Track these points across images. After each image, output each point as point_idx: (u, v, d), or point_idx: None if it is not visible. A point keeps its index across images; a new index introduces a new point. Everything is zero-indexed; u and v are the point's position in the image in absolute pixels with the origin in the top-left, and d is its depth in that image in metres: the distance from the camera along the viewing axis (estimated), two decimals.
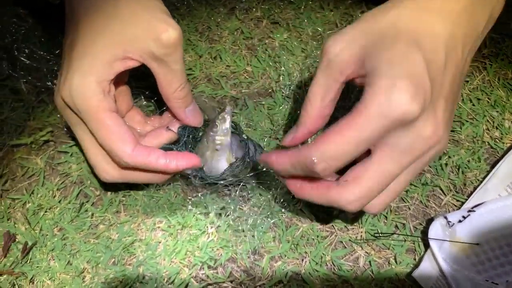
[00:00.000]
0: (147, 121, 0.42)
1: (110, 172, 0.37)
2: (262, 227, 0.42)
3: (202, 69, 0.52)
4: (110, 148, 0.35)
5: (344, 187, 0.32)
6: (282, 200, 0.43)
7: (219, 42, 0.54)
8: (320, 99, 0.34)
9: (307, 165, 0.30)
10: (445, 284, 0.38)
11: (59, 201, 0.44)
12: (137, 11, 0.34)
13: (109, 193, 0.44)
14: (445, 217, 0.40)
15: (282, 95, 0.49)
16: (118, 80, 0.37)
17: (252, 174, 0.41)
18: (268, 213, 0.43)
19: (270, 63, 0.52)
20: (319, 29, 0.55)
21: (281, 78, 0.51)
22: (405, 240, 0.41)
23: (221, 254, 0.41)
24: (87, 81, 0.34)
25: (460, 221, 0.40)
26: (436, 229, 0.39)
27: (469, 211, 0.40)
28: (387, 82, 0.28)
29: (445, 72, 0.31)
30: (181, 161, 0.36)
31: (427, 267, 0.39)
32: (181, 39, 0.35)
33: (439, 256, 0.38)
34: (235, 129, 0.42)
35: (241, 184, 0.43)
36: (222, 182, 0.40)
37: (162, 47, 0.34)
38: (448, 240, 0.39)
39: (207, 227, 0.42)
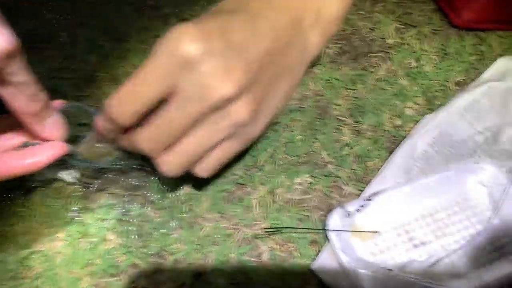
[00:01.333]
0: None
1: None
2: (165, 229, 0.42)
3: (107, 70, 0.51)
4: None
5: (140, 129, 0.31)
6: (187, 200, 0.43)
7: (126, 41, 0.53)
8: None
9: (106, 112, 0.30)
10: (344, 274, 0.39)
11: None
12: None
13: (3, 203, 0.42)
14: (344, 208, 0.41)
15: None
16: None
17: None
18: (172, 215, 0.42)
19: None
20: None
21: None
22: (308, 233, 0.42)
23: (122, 260, 0.40)
24: None
25: (358, 210, 0.41)
26: (334, 220, 0.40)
27: (367, 199, 0.41)
28: (173, 28, 0.28)
29: (255, 40, 0.30)
30: (41, 156, 0.33)
31: (326, 258, 0.39)
32: (17, 49, 0.28)
33: (338, 247, 0.39)
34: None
35: (145, 187, 0.43)
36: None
37: None
38: (346, 230, 0.40)
39: (108, 233, 0.41)
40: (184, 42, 0.27)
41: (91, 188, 0.42)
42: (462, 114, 0.44)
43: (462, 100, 0.44)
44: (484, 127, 0.44)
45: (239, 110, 0.30)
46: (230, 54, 0.29)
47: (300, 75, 0.34)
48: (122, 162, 0.39)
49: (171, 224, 0.42)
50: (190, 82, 0.28)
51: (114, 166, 0.39)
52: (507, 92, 0.44)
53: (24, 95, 0.31)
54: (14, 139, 0.35)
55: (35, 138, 0.35)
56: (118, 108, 0.30)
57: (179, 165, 0.32)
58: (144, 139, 0.31)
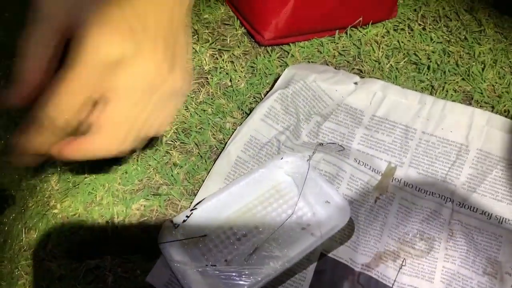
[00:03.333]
0: None
1: None
2: (10, 279, 0.44)
3: None
4: None
5: (94, 135, 0.32)
6: (30, 248, 0.46)
7: None
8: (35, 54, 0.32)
9: (40, 120, 0.30)
10: (177, 281, 0.44)
11: None
12: None
13: None
14: (171, 221, 0.46)
15: None
16: None
17: None
18: (17, 264, 0.45)
19: None
20: None
21: None
22: (144, 248, 0.47)
23: None
24: None
25: (184, 221, 0.46)
26: (165, 234, 0.45)
27: (192, 209, 0.47)
28: (90, 29, 0.29)
29: (161, 15, 0.32)
30: None
31: (159, 270, 0.45)
32: None
33: (168, 257, 0.44)
34: None
35: None
36: None
37: None
38: (175, 240, 0.45)
39: None
40: (105, 47, 0.29)
41: None
42: (263, 119, 0.52)
43: (261, 108, 0.52)
44: (283, 127, 0.52)
45: (170, 85, 0.34)
46: (150, 38, 0.31)
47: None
48: None
49: (16, 273, 0.44)
50: (128, 77, 0.31)
51: None
52: (293, 95, 0.53)
53: None
54: None
55: None
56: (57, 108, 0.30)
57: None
58: (105, 142, 0.33)
